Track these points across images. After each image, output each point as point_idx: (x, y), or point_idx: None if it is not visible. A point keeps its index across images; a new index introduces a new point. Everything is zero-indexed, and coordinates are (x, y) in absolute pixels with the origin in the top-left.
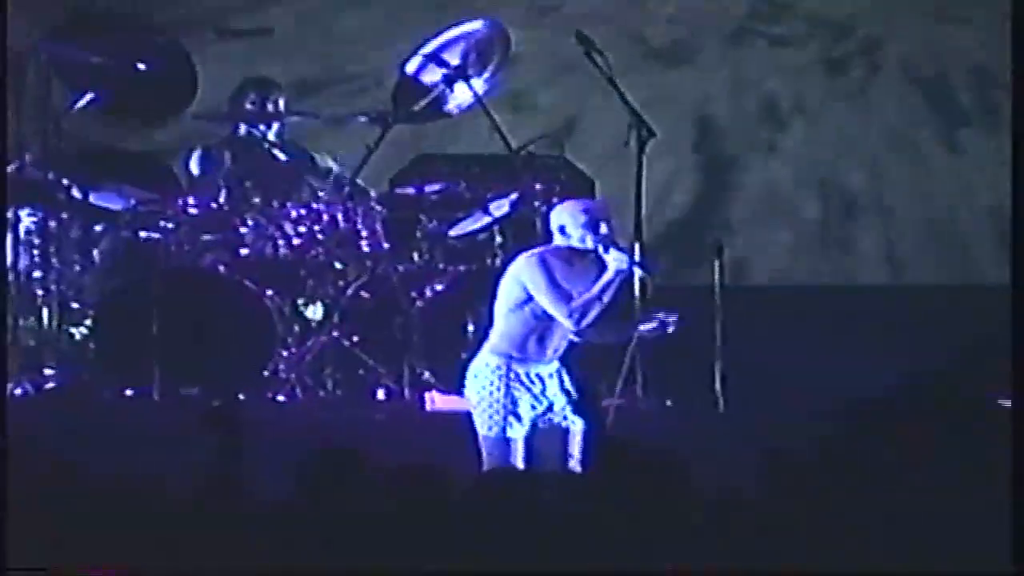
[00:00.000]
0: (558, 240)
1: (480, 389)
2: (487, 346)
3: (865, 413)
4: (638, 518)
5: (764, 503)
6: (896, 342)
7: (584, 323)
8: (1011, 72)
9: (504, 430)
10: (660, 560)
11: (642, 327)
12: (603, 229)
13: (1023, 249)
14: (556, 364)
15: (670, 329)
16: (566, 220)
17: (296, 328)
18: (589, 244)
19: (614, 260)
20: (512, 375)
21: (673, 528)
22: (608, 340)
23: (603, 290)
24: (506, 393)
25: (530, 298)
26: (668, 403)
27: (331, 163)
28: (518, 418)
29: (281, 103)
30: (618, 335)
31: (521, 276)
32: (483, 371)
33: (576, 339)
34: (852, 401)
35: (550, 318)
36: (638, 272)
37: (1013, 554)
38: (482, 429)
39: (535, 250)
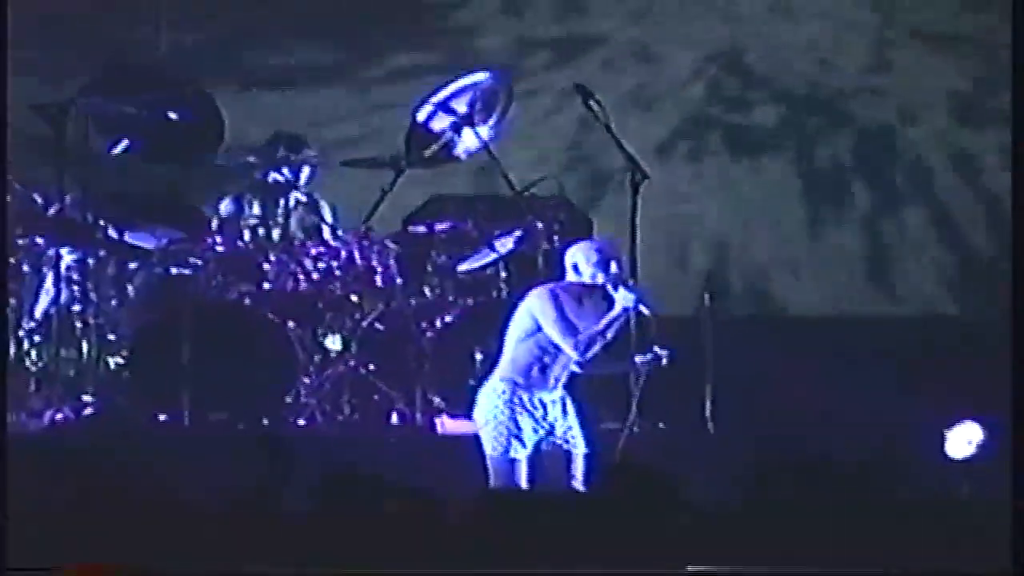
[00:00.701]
0: (570, 277)
1: (487, 412)
2: (496, 373)
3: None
4: (634, 530)
5: (765, 507)
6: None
7: (588, 354)
8: (1011, 71)
9: (507, 450)
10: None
11: (638, 359)
12: (613, 268)
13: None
14: (560, 392)
15: (664, 362)
16: (579, 258)
17: (316, 357)
18: (600, 281)
19: (622, 299)
20: (516, 399)
21: (667, 537)
22: (607, 371)
23: (608, 325)
24: (511, 416)
25: (539, 329)
26: (660, 425)
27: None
28: (521, 441)
29: (310, 154)
30: (616, 367)
31: (532, 308)
32: (491, 396)
33: (578, 369)
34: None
35: (554, 349)
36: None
37: (1013, 554)
38: (489, 449)
39: (548, 285)
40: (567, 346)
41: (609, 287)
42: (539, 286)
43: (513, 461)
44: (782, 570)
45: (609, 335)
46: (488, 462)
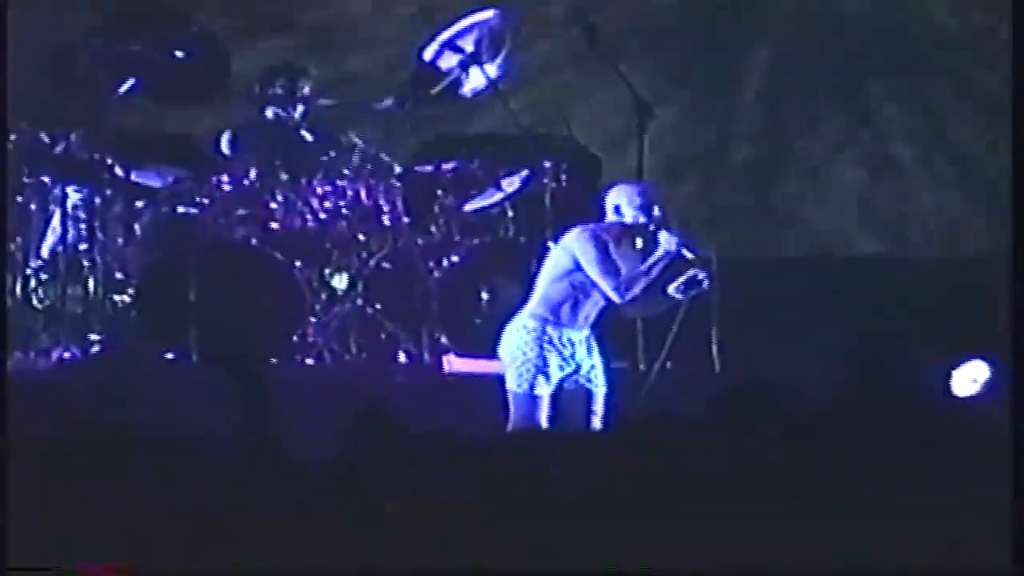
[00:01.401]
0: (611, 218)
1: (515, 348)
2: (526, 310)
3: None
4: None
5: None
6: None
7: (628, 296)
8: (1011, 71)
9: (533, 387)
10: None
11: (672, 289)
12: (656, 211)
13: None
14: (587, 331)
15: (704, 283)
16: (622, 200)
17: (323, 296)
18: (641, 223)
19: (665, 241)
20: (546, 337)
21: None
22: (645, 313)
23: (651, 267)
24: (539, 353)
25: (576, 268)
26: (668, 366)
27: (356, 140)
28: (547, 377)
29: (307, 89)
30: (655, 308)
31: (572, 247)
32: (519, 332)
33: (609, 308)
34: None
35: (587, 288)
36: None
37: (1013, 554)
38: (512, 385)
39: (588, 225)
40: (607, 286)
41: (651, 228)
42: (579, 226)
43: (536, 398)
44: (780, 563)
45: (654, 274)
46: (510, 398)
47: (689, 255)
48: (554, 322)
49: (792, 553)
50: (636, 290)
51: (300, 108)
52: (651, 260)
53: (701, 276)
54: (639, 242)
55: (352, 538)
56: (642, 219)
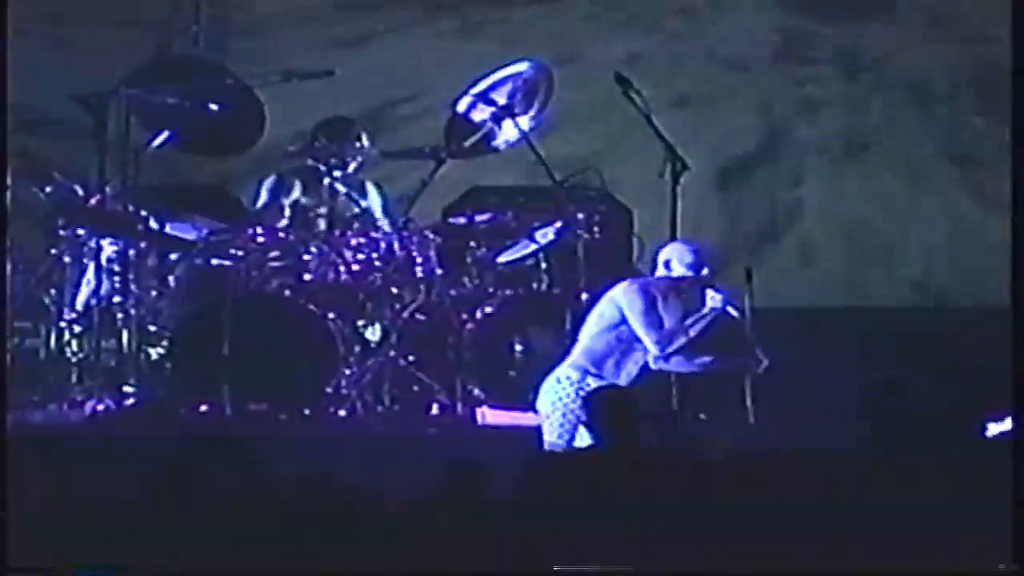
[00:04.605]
0: (660, 272)
1: (555, 399)
2: (567, 361)
3: (874, 422)
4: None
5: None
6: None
7: (668, 350)
8: (1011, 74)
9: (572, 440)
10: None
11: (724, 364)
12: (705, 271)
13: (1023, 261)
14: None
15: (760, 370)
16: (673, 256)
17: (356, 348)
18: (689, 278)
19: (711, 299)
20: (587, 387)
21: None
22: (686, 369)
23: (692, 324)
24: (581, 404)
25: (623, 321)
26: (701, 416)
27: (364, 141)
28: (589, 428)
29: (364, 139)
30: (697, 366)
31: (619, 300)
32: (561, 383)
33: (653, 367)
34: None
35: (631, 344)
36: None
37: (1013, 554)
38: (553, 437)
39: (637, 279)
40: (649, 340)
41: (698, 287)
42: (628, 279)
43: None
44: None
45: (692, 333)
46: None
47: (734, 313)
48: (596, 374)
49: (792, 552)
50: (676, 345)
51: (345, 160)
52: (695, 317)
53: (752, 364)
54: (686, 298)
55: None
56: (691, 276)
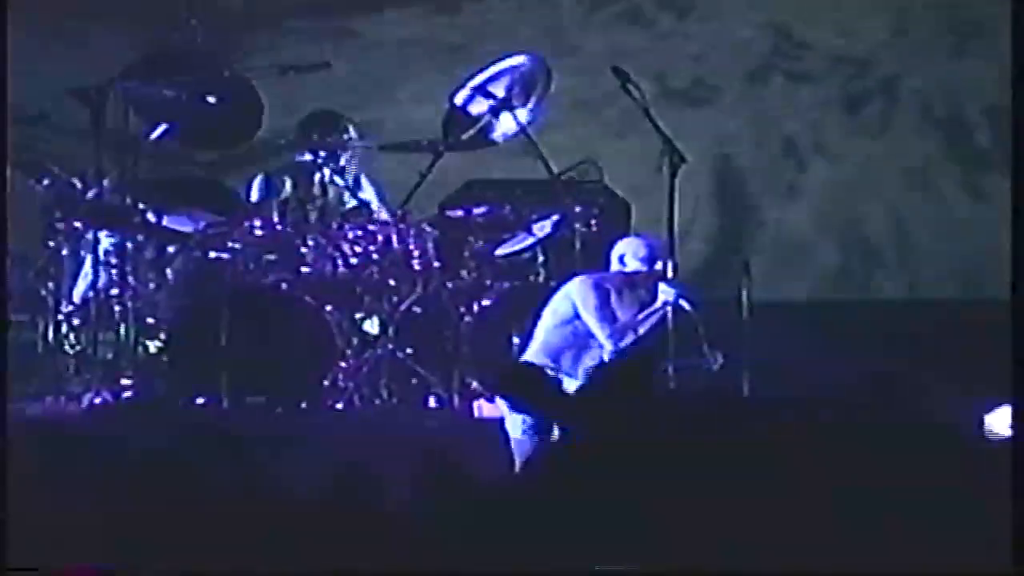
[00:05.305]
0: (615, 268)
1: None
2: (525, 356)
3: (872, 416)
4: None
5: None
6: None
7: (620, 344)
8: (1011, 78)
9: (535, 434)
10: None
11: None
12: (658, 265)
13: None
14: (583, 382)
15: (715, 368)
16: (628, 251)
17: (354, 341)
18: (642, 273)
19: (663, 293)
20: None
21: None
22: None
23: (645, 319)
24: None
25: (576, 316)
26: None
27: (352, 132)
28: (520, 412)
29: (352, 132)
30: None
31: (573, 295)
32: None
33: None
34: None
35: (587, 339)
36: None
37: (1013, 554)
38: (514, 433)
39: (591, 274)
40: (602, 334)
41: (652, 280)
42: (581, 274)
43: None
44: (780, 567)
45: (642, 330)
46: (514, 445)
47: (687, 306)
48: (553, 369)
49: (790, 553)
50: (628, 339)
51: (336, 153)
52: (646, 311)
53: (710, 361)
54: (639, 293)
55: None
56: (643, 271)
